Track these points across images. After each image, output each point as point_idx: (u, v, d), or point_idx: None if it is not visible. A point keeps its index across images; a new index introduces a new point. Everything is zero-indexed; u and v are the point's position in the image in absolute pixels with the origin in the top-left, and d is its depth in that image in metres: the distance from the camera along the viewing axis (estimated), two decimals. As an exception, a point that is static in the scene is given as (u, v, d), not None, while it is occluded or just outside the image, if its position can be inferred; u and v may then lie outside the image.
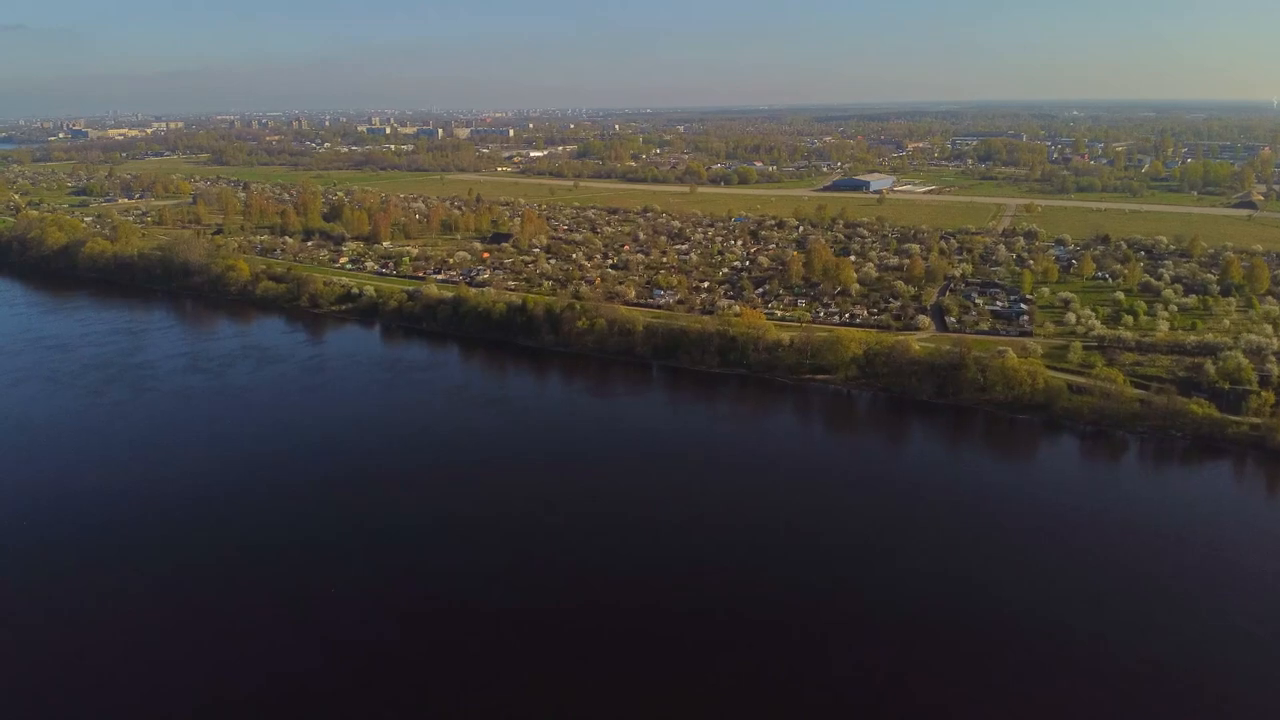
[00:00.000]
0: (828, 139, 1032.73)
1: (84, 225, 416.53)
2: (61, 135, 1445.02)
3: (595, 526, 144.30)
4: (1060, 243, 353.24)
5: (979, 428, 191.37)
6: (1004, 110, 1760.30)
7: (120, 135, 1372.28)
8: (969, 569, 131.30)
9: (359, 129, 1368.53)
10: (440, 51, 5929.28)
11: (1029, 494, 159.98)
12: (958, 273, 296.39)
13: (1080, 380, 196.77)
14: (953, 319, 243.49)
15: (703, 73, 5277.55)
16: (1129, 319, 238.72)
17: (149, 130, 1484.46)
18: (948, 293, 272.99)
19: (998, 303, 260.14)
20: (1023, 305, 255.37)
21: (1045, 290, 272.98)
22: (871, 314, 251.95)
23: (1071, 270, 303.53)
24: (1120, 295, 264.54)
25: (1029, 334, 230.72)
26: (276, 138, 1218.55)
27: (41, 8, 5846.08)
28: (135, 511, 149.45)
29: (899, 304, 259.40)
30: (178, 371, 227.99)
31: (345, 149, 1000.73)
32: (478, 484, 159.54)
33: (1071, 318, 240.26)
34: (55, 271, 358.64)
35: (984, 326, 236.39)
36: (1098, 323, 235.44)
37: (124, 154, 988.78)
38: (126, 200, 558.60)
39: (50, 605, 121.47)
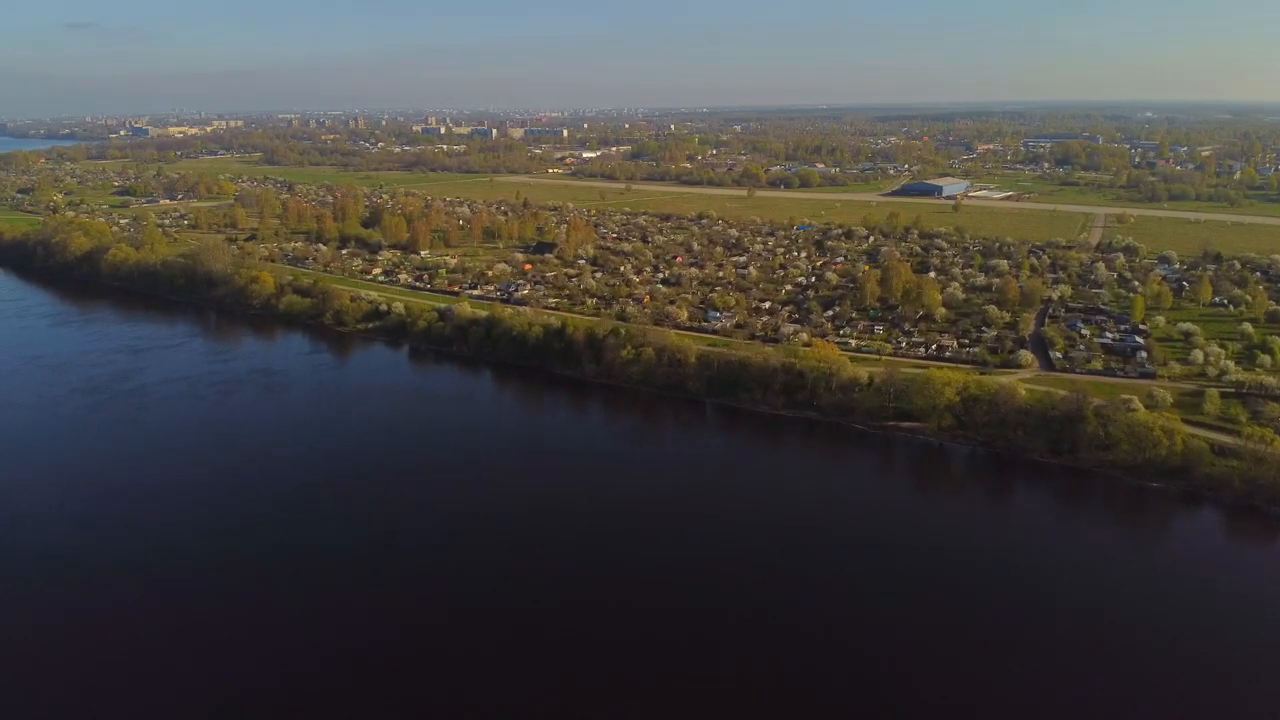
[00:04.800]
0: (892, 139, 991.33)
1: (112, 230, 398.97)
2: (123, 133, 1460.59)
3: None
4: (1165, 260, 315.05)
5: (1100, 496, 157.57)
6: (1074, 110, 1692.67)
7: (180, 133, 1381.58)
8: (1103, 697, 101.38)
9: (414, 129, 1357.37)
10: (499, 52, 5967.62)
11: (1168, 588, 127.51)
12: (1055, 295, 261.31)
13: (1224, 440, 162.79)
14: (1058, 353, 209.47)
15: (760, 71, 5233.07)
16: (1264, 358, 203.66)
17: (208, 129, 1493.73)
18: (1047, 320, 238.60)
19: (1107, 334, 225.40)
20: (1137, 338, 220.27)
21: (1159, 319, 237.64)
22: (962, 345, 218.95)
23: (1184, 294, 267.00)
24: (1248, 327, 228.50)
25: (1151, 376, 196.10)
26: (332, 137, 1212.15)
27: (113, 7, 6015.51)
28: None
29: (993, 334, 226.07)
30: (170, 399, 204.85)
31: (398, 149, 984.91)
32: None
33: (1198, 355, 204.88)
34: (79, 279, 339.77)
35: (1097, 365, 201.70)
36: (1230, 363, 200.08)
37: (179, 152, 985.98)
38: (168, 201, 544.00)
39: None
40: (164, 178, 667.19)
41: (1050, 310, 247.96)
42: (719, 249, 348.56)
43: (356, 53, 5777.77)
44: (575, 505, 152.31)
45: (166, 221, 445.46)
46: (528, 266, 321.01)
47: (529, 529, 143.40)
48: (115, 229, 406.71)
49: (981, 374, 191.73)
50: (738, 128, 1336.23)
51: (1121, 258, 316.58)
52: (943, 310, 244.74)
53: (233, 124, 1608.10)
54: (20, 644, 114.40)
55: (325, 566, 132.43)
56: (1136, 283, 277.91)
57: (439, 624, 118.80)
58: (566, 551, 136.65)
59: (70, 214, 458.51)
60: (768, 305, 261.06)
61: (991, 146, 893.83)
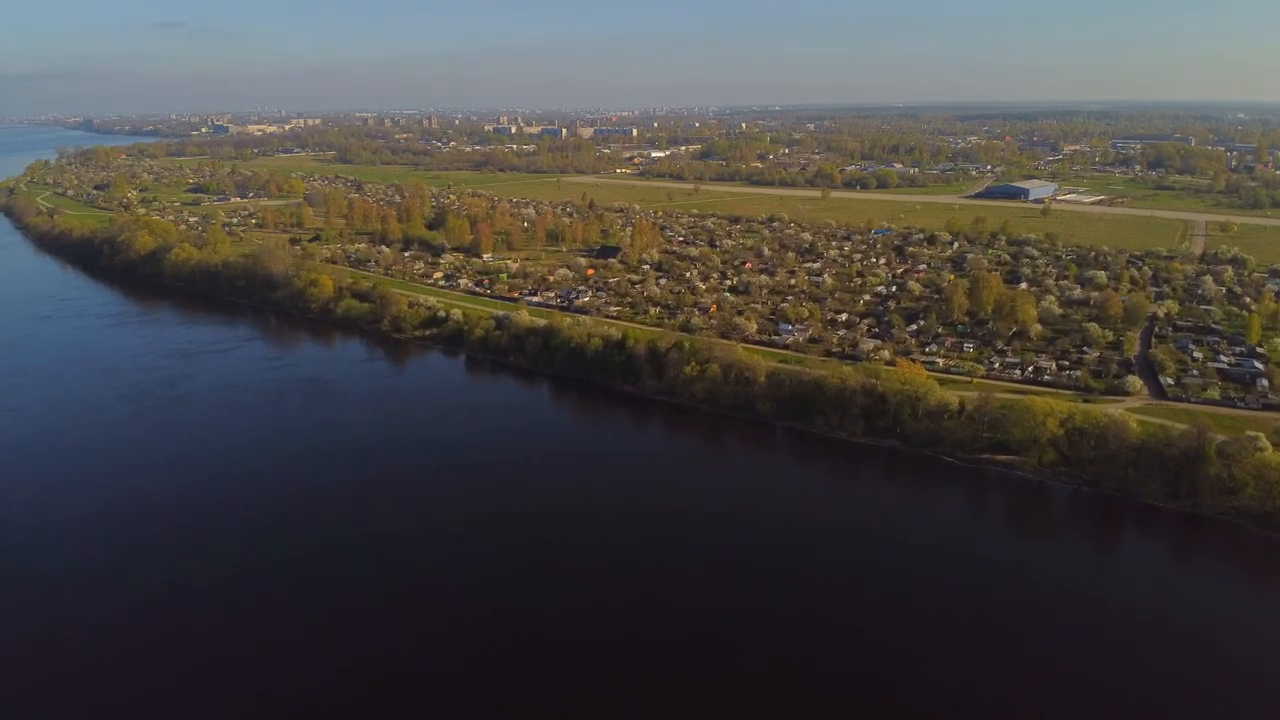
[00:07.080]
0: (973, 139, 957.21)
1: (179, 228, 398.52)
2: (204, 130, 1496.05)
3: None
4: (1276, 274, 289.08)
5: (1222, 548, 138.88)
6: (1161, 110, 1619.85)
7: (259, 131, 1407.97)
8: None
9: (486, 128, 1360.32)
10: (572, 51, 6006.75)
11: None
12: (1161, 312, 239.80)
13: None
14: (1169, 379, 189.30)
15: (834, 68, 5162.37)
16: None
17: (287, 127, 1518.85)
18: (1153, 340, 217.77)
19: (1222, 357, 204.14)
20: (1255, 363, 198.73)
21: (1278, 341, 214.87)
22: (1062, 368, 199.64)
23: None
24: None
25: (1275, 407, 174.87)
26: (405, 136, 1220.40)
27: (199, 6, 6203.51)
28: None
29: (1095, 355, 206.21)
30: (213, 408, 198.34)
31: (469, 149, 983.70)
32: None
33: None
34: (142, 278, 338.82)
35: (1214, 394, 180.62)
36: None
37: (256, 150, 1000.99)
38: (238, 199, 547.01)
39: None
40: (237, 175, 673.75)
41: (1156, 329, 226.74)
42: (791, 254, 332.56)
43: (435, 53, 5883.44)
44: (626, 530, 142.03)
45: (234, 220, 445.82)
46: (590, 271, 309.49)
47: (575, 554, 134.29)
48: (183, 227, 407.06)
49: (1086, 402, 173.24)
50: (811, 126, 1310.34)
51: (1230, 270, 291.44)
52: (1038, 327, 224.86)
53: (310, 122, 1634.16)
54: (42, 647, 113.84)
55: (347, 575, 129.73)
56: (1248, 299, 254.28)
57: (462, 636, 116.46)
58: (616, 573, 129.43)
59: (141, 211, 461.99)
60: (844, 317, 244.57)
61: (1078, 147, 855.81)
